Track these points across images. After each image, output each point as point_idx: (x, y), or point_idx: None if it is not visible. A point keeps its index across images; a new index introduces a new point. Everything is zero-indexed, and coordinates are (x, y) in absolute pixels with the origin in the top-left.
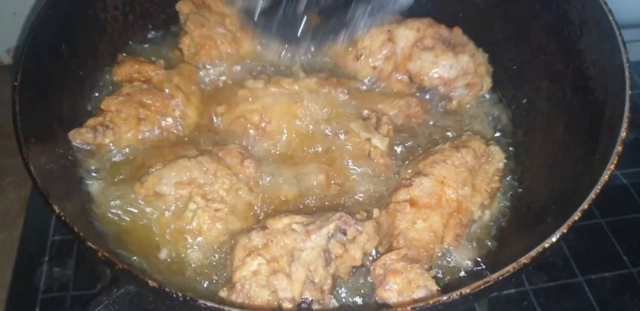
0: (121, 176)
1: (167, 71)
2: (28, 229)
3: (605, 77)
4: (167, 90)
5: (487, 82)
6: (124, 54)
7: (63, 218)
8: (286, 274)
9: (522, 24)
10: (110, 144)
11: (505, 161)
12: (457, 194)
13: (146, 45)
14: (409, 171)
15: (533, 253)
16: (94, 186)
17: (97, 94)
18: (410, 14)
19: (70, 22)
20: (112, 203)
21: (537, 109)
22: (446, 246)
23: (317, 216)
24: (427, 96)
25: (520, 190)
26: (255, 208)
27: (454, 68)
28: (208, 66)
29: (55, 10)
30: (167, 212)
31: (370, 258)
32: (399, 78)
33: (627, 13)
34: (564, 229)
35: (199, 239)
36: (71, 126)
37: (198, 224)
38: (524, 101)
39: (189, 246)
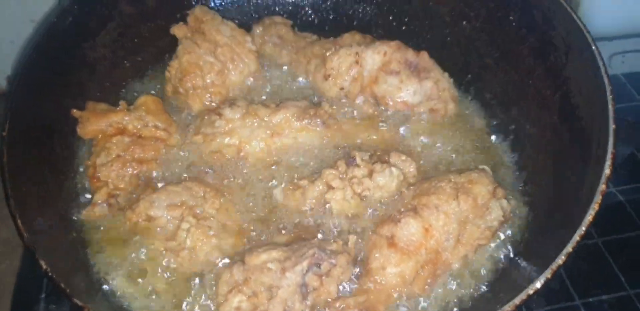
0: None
1: (133, 110)
2: (25, 264)
3: (591, 107)
4: (148, 133)
5: (451, 107)
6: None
7: (50, 274)
8: None
9: (509, 49)
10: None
11: (502, 219)
12: (439, 246)
13: (138, 81)
14: (407, 199)
15: (516, 301)
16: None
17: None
18: (391, 35)
19: (59, 63)
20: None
21: (526, 135)
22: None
23: (292, 250)
24: (386, 119)
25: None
26: (245, 225)
27: (417, 94)
28: (190, 92)
29: (43, 53)
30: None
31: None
32: (365, 100)
33: (622, 23)
34: (548, 274)
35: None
36: (62, 171)
37: (192, 241)
38: (512, 126)
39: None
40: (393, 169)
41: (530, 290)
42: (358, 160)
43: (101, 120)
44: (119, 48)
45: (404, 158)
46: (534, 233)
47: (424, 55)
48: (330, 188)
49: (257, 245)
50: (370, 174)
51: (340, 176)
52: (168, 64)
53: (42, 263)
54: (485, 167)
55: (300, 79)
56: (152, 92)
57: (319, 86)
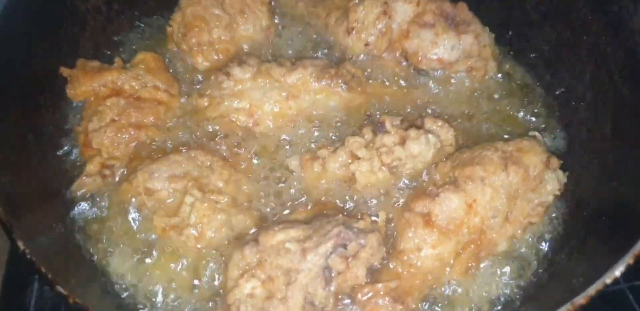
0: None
1: (130, 69)
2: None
3: None
4: (147, 94)
5: (492, 66)
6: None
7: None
8: (282, 299)
9: (561, 0)
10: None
11: (558, 193)
12: (483, 224)
13: (134, 38)
14: (446, 170)
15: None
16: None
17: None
18: None
19: (46, 14)
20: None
21: (578, 98)
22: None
23: (314, 228)
24: (421, 80)
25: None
26: (257, 200)
27: (455, 50)
28: (195, 48)
29: (26, 2)
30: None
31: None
32: (393, 57)
33: None
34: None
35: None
36: (49, 131)
37: (197, 218)
38: (562, 89)
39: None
40: (429, 135)
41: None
42: (388, 125)
43: (93, 79)
44: (114, 0)
45: (440, 123)
46: (600, 212)
47: (463, 6)
48: (354, 158)
49: (272, 223)
50: (402, 142)
51: (367, 144)
52: (170, 17)
53: (20, 244)
54: (537, 133)
55: (318, 33)
56: (151, 48)
57: (341, 42)
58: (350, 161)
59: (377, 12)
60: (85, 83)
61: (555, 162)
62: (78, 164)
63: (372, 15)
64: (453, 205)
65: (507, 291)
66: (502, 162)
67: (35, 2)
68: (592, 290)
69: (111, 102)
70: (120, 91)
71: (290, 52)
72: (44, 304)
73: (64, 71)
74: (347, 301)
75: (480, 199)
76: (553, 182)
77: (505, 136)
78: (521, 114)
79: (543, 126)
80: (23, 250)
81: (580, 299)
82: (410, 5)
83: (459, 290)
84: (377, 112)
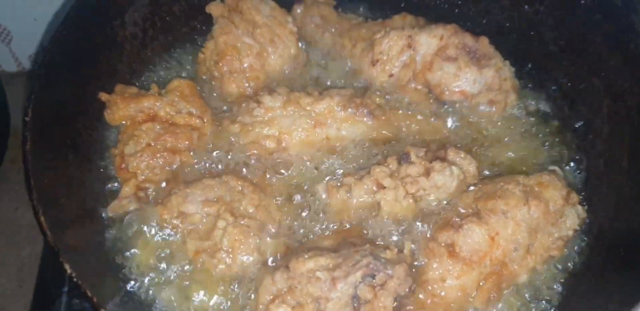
0: None
1: (165, 95)
2: (46, 257)
3: None
4: (181, 120)
5: (512, 99)
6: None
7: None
8: None
9: (578, 35)
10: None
11: (578, 228)
12: (505, 256)
13: (168, 64)
14: (469, 201)
15: None
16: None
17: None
18: (443, 19)
19: (88, 41)
20: None
21: (596, 132)
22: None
23: (343, 257)
24: (440, 110)
25: None
26: (285, 225)
27: (477, 83)
28: (226, 76)
29: (70, 30)
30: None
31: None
32: (417, 88)
33: None
34: None
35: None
36: (87, 152)
37: (229, 242)
38: (580, 123)
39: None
40: (454, 168)
41: None
42: (413, 157)
43: (131, 105)
44: (150, 27)
45: (463, 155)
46: (618, 244)
47: (484, 40)
48: (380, 187)
49: (301, 249)
50: (426, 173)
51: (392, 174)
52: (203, 45)
53: (67, 267)
54: (556, 168)
55: (344, 64)
56: (184, 74)
57: (366, 72)
58: (375, 189)
59: (401, 44)
60: (123, 108)
61: (574, 197)
62: (114, 184)
63: (396, 48)
64: (476, 237)
65: None
66: (523, 196)
67: (81, 30)
68: None
69: (147, 127)
70: (155, 116)
71: (318, 80)
72: None
73: (103, 96)
74: None
75: (502, 232)
76: (573, 217)
77: (524, 168)
78: (539, 146)
79: (561, 158)
80: (70, 273)
81: None
82: (434, 39)
83: None
84: (401, 140)
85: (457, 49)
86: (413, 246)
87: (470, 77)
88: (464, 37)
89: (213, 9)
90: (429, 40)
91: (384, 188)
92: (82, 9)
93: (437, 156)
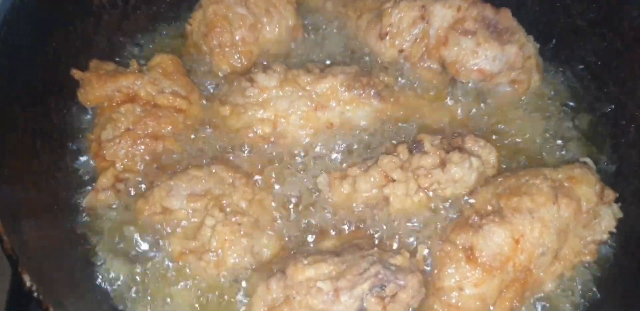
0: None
1: (147, 72)
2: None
3: None
4: (164, 101)
5: (536, 79)
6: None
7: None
8: None
9: (612, 7)
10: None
11: (614, 230)
12: (531, 262)
13: (151, 37)
14: (488, 196)
15: None
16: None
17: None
18: None
19: (58, 9)
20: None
21: (629, 117)
22: None
23: (347, 263)
24: (455, 91)
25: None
26: (281, 222)
27: (497, 60)
28: (216, 50)
29: None
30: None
31: None
32: (430, 66)
33: None
34: None
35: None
36: (59, 137)
37: (218, 242)
38: (611, 107)
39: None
40: (473, 159)
41: None
42: (426, 146)
43: (107, 84)
44: None
45: (482, 143)
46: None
47: (506, 12)
48: (388, 179)
49: (300, 250)
50: (441, 164)
51: (402, 164)
52: (190, 15)
53: (26, 278)
54: (588, 159)
55: (348, 37)
56: (170, 49)
57: (373, 47)
58: (383, 182)
59: (413, 16)
60: (99, 88)
61: (610, 194)
62: (90, 174)
63: (408, 19)
64: (498, 240)
65: None
66: (552, 193)
67: None
68: None
69: (126, 110)
70: (135, 96)
71: (319, 55)
72: None
73: (76, 74)
74: None
75: (528, 235)
76: (608, 218)
77: (549, 158)
78: (565, 132)
79: (590, 146)
80: (30, 287)
81: None
82: (450, 10)
83: None
84: (413, 125)
85: (476, 21)
86: (426, 251)
87: (490, 54)
88: (483, 8)
89: None
90: (445, 11)
91: (394, 181)
92: None
93: (453, 145)
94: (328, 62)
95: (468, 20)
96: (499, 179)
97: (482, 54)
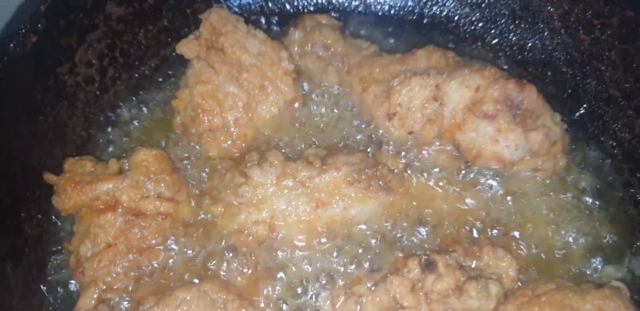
0: None
1: (127, 174)
2: None
3: None
4: (150, 206)
5: (562, 164)
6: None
7: None
8: None
9: None
10: None
11: None
12: None
13: (132, 114)
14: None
15: None
16: None
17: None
18: (475, 43)
19: (25, 101)
20: None
21: None
22: None
23: None
24: (469, 179)
25: None
26: None
27: (520, 149)
28: (206, 134)
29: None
30: None
31: None
32: (443, 149)
33: None
34: None
35: None
36: (35, 252)
37: None
38: None
39: None
40: (492, 287)
41: None
42: (441, 268)
43: (84, 191)
44: (108, 64)
45: (501, 254)
46: None
47: (532, 90)
48: (398, 304)
49: None
50: (457, 289)
51: (413, 285)
52: (176, 92)
53: None
54: (621, 285)
55: (352, 110)
56: (154, 127)
57: (380, 124)
58: (392, 304)
59: (425, 96)
60: (75, 195)
61: None
62: (70, 292)
63: (418, 99)
64: None
65: None
66: None
67: (15, 87)
68: None
69: (106, 221)
70: (116, 203)
71: (320, 131)
72: None
73: (49, 179)
74: None
75: None
76: None
77: (575, 262)
78: (592, 229)
79: (621, 248)
80: None
81: None
82: (467, 90)
83: None
84: (425, 219)
85: (497, 103)
86: None
87: (512, 142)
88: (505, 87)
89: (185, 49)
90: (461, 91)
91: (403, 307)
92: (13, 65)
93: (469, 256)
94: (331, 140)
95: (488, 101)
96: (519, 300)
97: (503, 141)
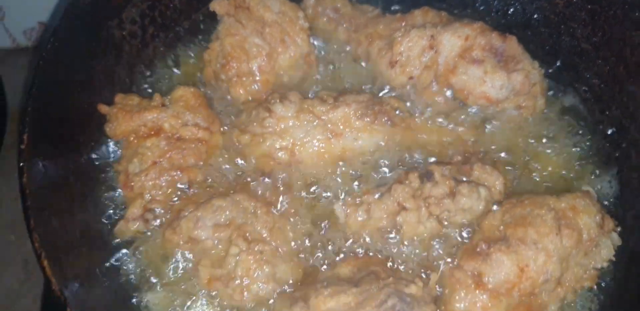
0: None
1: (170, 106)
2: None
3: None
4: (188, 133)
5: (541, 104)
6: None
7: None
8: None
9: (615, 33)
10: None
11: (613, 259)
12: (535, 288)
13: (170, 66)
14: (495, 223)
15: None
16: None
17: None
18: (465, 9)
19: (83, 46)
20: None
21: (631, 141)
22: None
23: (365, 294)
24: (463, 116)
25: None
26: (300, 248)
27: (504, 88)
28: (234, 79)
29: (62, 37)
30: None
31: None
32: (438, 92)
33: None
34: None
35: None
36: (89, 170)
37: (243, 270)
38: (612, 128)
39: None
40: (481, 190)
41: None
42: (437, 176)
43: (133, 119)
44: (149, 23)
45: (489, 170)
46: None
47: (512, 40)
48: (401, 207)
49: (318, 279)
50: (451, 194)
51: (414, 193)
52: (208, 41)
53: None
54: (590, 189)
55: (360, 62)
56: (188, 76)
57: (383, 73)
58: (396, 209)
59: (422, 45)
60: (125, 122)
61: (610, 223)
62: (118, 205)
63: (417, 48)
64: (505, 268)
65: None
66: (555, 224)
67: (74, 36)
68: None
69: (152, 144)
70: (160, 130)
71: (333, 82)
72: None
73: (102, 109)
74: None
75: (532, 264)
76: (608, 248)
77: (553, 181)
78: (568, 155)
79: (592, 169)
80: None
81: None
82: (459, 39)
83: None
84: (423, 150)
85: (483, 50)
86: (438, 276)
87: (497, 82)
88: (490, 37)
89: (217, 7)
90: (453, 40)
91: (406, 209)
92: (73, 14)
93: (462, 172)
94: (342, 86)
95: (476, 48)
96: (506, 206)
97: (489, 82)
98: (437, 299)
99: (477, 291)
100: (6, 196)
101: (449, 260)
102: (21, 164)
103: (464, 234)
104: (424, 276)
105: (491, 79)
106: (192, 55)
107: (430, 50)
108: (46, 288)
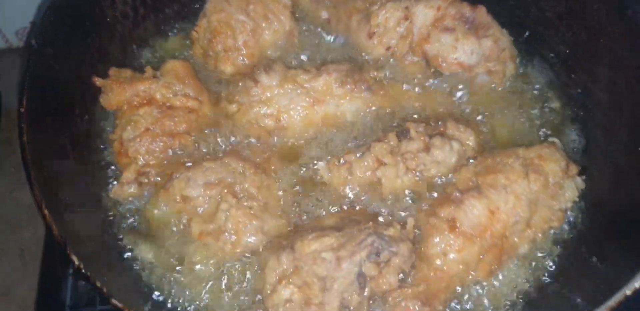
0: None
1: (161, 77)
2: (50, 239)
3: None
4: (178, 102)
5: (510, 69)
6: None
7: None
8: (319, 304)
9: (576, 1)
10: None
11: (577, 199)
12: (506, 230)
13: (160, 44)
14: (469, 175)
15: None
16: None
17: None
18: None
19: (78, 25)
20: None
21: (595, 101)
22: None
23: (347, 236)
24: (438, 82)
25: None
26: (287, 204)
27: (475, 54)
28: (221, 54)
29: (58, 16)
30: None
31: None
32: (415, 60)
33: None
34: None
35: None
36: (85, 138)
37: (233, 224)
38: (578, 90)
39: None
40: (453, 143)
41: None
42: (412, 133)
43: (126, 89)
44: (140, 4)
45: (462, 128)
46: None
47: (482, 10)
48: (380, 163)
49: (304, 228)
50: (426, 148)
51: (392, 150)
52: (195, 23)
53: (75, 259)
54: (556, 140)
55: (340, 37)
56: (178, 53)
57: (363, 45)
58: (376, 166)
59: (398, 16)
60: (119, 93)
61: (573, 169)
62: (114, 170)
63: (392, 19)
64: (477, 212)
65: (528, 291)
66: (523, 170)
67: (69, 14)
68: (612, 302)
69: (144, 112)
70: (152, 99)
71: (314, 54)
72: (79, 299)
73: (97, 81)
74: (378, 304)
75: (502, 207)
76: (572, 189)
77: (524, 139)
78: (538, 115)
79: (560, 127)
80: (78, 265)
81: None
82: (431, 10)
83: (483, 292)
84: (401, 114)
85: (454, 19)
86: (415, 222)
87: (467, 48)
88: (461, 7)
89: None
90: (426, 11)
91: (385, 164)
92: None
93: (436, 130)
94: (323, 59)
95: (447, 18)
96: (479, 159)
97: (460, 48)
98: (415, 241)
99: (452, 235)
100: (2, 190)
101: (425, 208)
102: (22, 125)
103: (440, 185)
104: (402, 223)
105: (462, 45)
106: (182, 35)
107: (405, 21)
108: (42, 277)
